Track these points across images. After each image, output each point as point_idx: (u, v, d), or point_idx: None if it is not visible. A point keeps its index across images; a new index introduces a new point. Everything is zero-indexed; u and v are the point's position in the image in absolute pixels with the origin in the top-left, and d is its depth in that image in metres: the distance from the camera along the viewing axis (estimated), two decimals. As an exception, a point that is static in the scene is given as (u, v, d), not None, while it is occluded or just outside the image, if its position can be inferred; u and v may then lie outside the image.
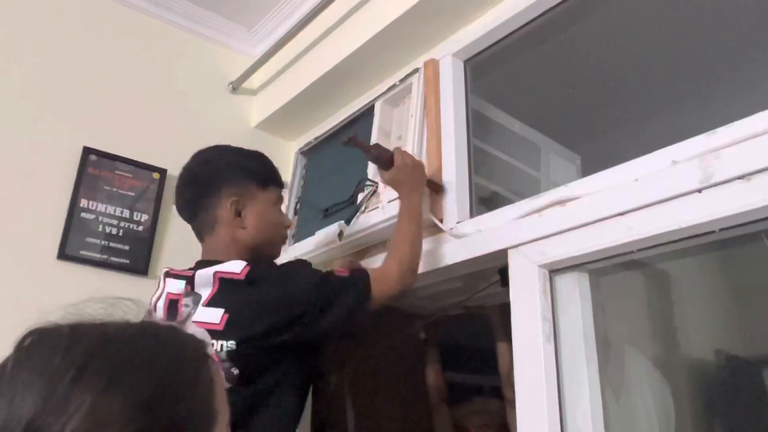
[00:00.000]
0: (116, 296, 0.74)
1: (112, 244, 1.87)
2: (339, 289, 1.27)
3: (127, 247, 1.89)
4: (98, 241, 1.85)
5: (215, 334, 1.16)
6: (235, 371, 1.16)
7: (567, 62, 1.91)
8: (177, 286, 1.27)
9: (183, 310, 1.22)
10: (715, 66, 1.85)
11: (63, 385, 0.55)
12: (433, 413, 2.22)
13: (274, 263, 1.41)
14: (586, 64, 1.92)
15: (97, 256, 1.84)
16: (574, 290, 1.31)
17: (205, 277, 1.22)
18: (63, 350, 0.58)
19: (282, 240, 1.46)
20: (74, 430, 0.53)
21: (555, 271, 1.31)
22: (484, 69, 1.80)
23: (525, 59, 1.84)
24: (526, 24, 1.62)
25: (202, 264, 1.28)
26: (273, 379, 1.22)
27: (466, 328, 2.46)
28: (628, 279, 1.45)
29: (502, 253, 1.39)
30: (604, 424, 1.25)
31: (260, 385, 1.20)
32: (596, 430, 1.24)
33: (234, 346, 1.15)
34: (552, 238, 1.29)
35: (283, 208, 2.22)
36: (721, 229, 1.06)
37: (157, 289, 1.34)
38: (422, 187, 1.53)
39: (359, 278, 1.30)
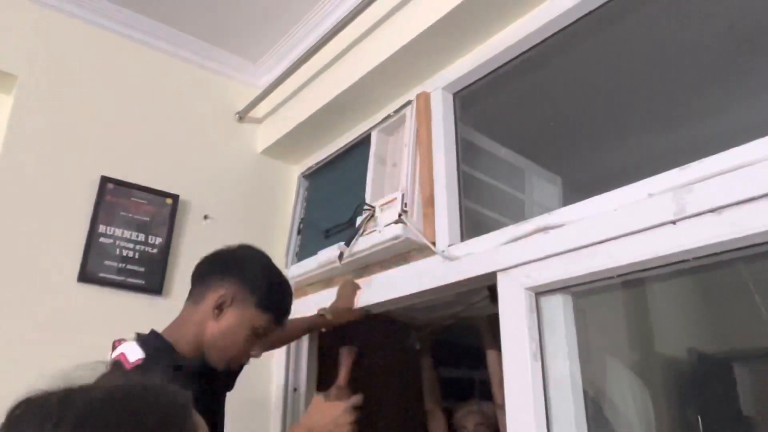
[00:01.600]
0: (97, 361, 0.69)
1: (128, 266, 1.85)
2: None
3: (142, 269, 1.87)
4: (116, 264, 1.83)
5: None
6: None
7: (548, 93, 1.91)
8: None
9: None
10: (685, 95, 1.85)
11: None
12: (429, 417, 2.21)
13: (172, 372, 1.13)
14: (566, 94, 1.92)
15: (115, 277, 1.82)
16: (559, 311, 1.30)
17: (114, 354, 1.16)
18: (53, 421, 0.55)
19: (236, 365, 1.28)
20: None
21: (541, 293, 1.30)
22: (472, 100, 1.80)
23: (509, 90, 1.84)
24: (511, 60, 1.62)
25: (142, 336, 1.18)
26: None
27: (459, 337, 2.46)
28: (609, 298, 1.44)
29: (492, 276, 1.38)
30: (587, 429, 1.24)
31: None
32: (581, 437, 1.23)
33: None
34: (537, 263, 1.28)
35: (286, 228, 2.24)
36: (695, 258, 1.05)
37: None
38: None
39: None
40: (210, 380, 1.22)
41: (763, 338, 1.51)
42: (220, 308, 1.20)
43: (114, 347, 1.22)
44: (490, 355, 2.02)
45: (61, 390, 0.59)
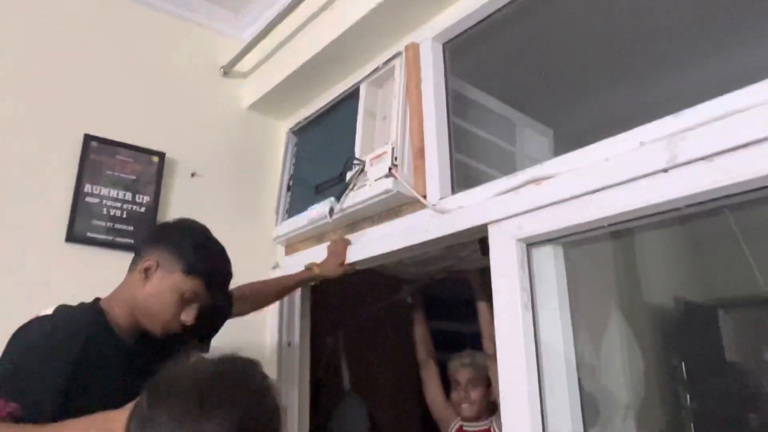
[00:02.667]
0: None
1: (116, 226, 1.83)
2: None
3: (131, 228, 1.85)
4: (103, 223, 1.81)
5: None
6: None
7: (539, 42, 1.87)
8: None
9: None
10: (677, 42, 1.82)
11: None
12: (422, 368, 2.25)
13: (34, 333, 1.18)
14: (557, 43, 1.87)
15: (103, 237, 1.80)
16: (550, 261, 1.31)
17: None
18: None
19: (167, 329, 1.27)
20: None
21: (531, 244, 1.30)
22: (462, 51, 1.76)
23: (500, 40, 1.79)
24: (502, 8, 1.58)
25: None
26: None
27: (451, 289, 2.48)
28: (599, 248, 1.45)
29: (483, 228, 1.38)
30: (578, 378, 1.27)
31: None
32: (570, 385, 1.26)
33: None
34: (528, 215, 1.28)
35: (275, 185, 2.22)
36: (686, 206, 1.05)
37: None
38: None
39: None
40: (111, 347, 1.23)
41: (747, 286, 1.53)
42: (146, 273, 1.25)
43: None
44: (481, 307, 2.04)
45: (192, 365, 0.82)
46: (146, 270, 1.25)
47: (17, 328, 1.19)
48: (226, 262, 1.33)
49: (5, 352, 1.15)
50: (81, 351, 1.14)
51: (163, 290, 1.24)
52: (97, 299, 1.30)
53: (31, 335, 1.15)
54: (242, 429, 0.75)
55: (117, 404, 1.01)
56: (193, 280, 1.25)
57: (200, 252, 1.28)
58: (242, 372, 0.83)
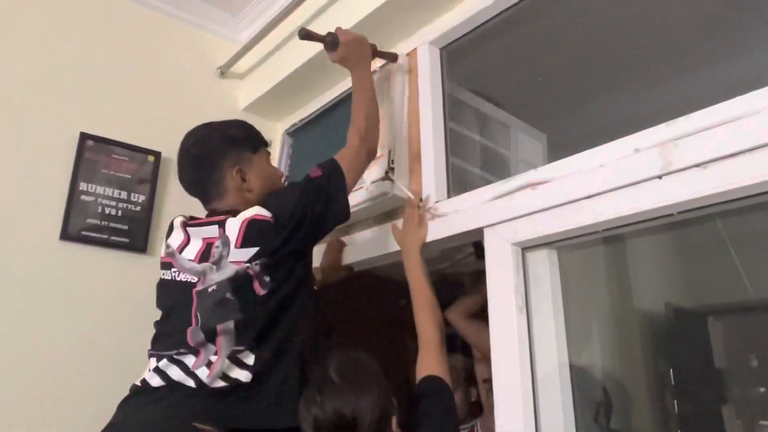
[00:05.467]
0: None
1: (111, 224, 1.83)
2: (321, 185, 1.33)
3: (126, 227, 1.85)
4: (98, 222, 1.81)
5: (250, 259, 1.23)
6: (267, 278, 1.24)
7: (535, 48, 1.89)
8: (210, 231, 1.29)
9: (215, 251, 1.25)
10: (672, 52, 1.84)
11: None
12: (411, 371, 2.24)
13: (280, 196, 1.38)
14: (553, 50, 1.90)
15: (98, 235, 1.80)
16: (545, 266, 1.32)
17: (234, 222, 1.26)
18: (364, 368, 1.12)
19: (281, 187, 1.48)
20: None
21: (527, 248, 1.31)
22: (459, 56, 1.78)
23: (496, 46, 1.82)
24: (499, 14, 1.59)
25: (220, 212, 1.32)
26: (294, 284, 1.29)
27: (445, 292, 2.48)
28: (593, 253, 1.47)
29: (478, 232, 1.39)
30: (570, 381, 1.29)
31: (285, 290, 1.27)
32: (563, 387, 1.27)
33: (265, 261, 1.24)
34: (523, 219, 1.29)
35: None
36: (679, 213, 1.07)
37: (174, 236, 1.35)
38: (368, 59, 1.60)
39: (330, 168, 1.38)
40: None
41: (736, 293, 1.56)
42: (244, 180, 1.36)
43: (190, 226, 1.34)
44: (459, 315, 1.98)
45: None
46: (242, 179, 1.35)
47: None
48: (244, 122, 1.48)
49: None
50: None
51: (261, 174, 1.38)
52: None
53: None
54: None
55: None
56: (260, 149, 1.42)
57: (240, 131, 1.42)
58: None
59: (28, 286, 1.68)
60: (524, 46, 1.87)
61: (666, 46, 1.81)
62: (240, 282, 1.22)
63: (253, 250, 1.23)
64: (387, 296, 2.45)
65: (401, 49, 1.79)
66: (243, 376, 1.19)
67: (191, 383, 1.17)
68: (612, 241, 1.41)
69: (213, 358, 1.18)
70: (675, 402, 1.63)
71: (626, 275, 1.64)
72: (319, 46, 1.88)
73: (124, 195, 1.87)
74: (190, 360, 1.19)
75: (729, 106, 1.02)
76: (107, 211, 1.83)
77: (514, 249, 1.31)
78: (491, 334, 1.30)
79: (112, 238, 1.82)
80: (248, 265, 1.22)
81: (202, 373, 1.17)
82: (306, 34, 1.56)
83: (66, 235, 1.75)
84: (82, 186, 1.80)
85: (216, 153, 1.36)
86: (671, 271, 1.78)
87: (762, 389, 1.64)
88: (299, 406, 1.07)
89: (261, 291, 1.23)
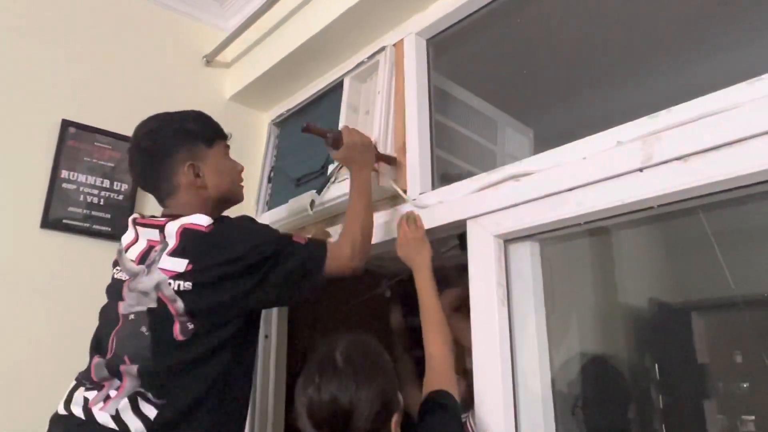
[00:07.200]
0: None
1: (94, 213, 1.81)
2: (295, 250, 1.23)
3: (108, 216, 1.83)
4: (80, 210, 1.79)
5: (177, 276, 1.14)
6: (190, 326, 1.14)
7: (522, 42, 1.88)
8: (153, 234, 1.23)
9: (152, 256, 1.19)
10: (655, 46, 1.85)
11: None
12: (398, 362, 2.25)
13: (237, 220, 1.29)
14: (539, 45, 1.89)
15: (80, 224, 1.78)
16: (526, 258, 1.32)
17: (172, 228, 1.19)
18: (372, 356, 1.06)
19: (240, 184, 1.41)
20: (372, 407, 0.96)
21: (509, 240, 1.31)
22: (446, 48, 1.77)
23: (483, 39, 1.81)
24: (487, 4, 1.58)
25: (170, 217, 1.25)
26: (224, 336, 1.17)
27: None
28: (576, 245, 1.47)
29: (462, 223, 1.39)
30: (550, 371, 1.29)
31: (211, 340, 1.15)
32: (543, 379, 1.27)
33: (190, 287, 1.13)
34: (506, 211, 1.29)
35: (257, 176, 2.20)
36: (660, 205, 1.07)
37: (126, 233, 1.31)
38: (371, 164, 1.51)
39: (316, 248, 1.27)
40: None
41: (719, 288, 1.56)
42: (198, 176, 1.28)
43: (139, 225, 1.27)
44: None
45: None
46: (196, 175, 1.28)
47: None
48: (201, 113, 1.39)
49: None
50: None
51: (217, 169, 1.31)
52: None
53: None
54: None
55: None
56: (216, 142, 1.34)
57: (195, 123, 1.34)
58: None
59: (8, 275, 1.66)
60: (511, 40, 1.86)
61: (651, 41, 1.81)
62: (159, 318, 1.13)
63: (183, 262, 1.14)
64: (370, 288, 2.45)
65: (388, 39, 1.78)
66: (137, 427, 1.09)
67: (81, 414, 1.13)
68: (595, 234, 1.41)
69: (113, 393, 1.12)
70: (660, 397, 1.64)
71: (610, 270, 1.65)
72: (307, 34, 1.87)
73: (106, 183, 1.84)
74: (92, 395, 1.15)
75: (711, 99, 1.02)
76: (89, 200, 1.81)
77: (497, 241, 1.31)
78: (472, 326, 1.30)
79: (95, 226, 1.80)
80: (170, 282, 1.13)
81: (96, 408, 1.12)
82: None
83: (47, 223, 1.73)
84: (64, 174, 1.78)
85: (166, 146, 1.29)
86: (655, 266, 1.78)
87: (745, 385, 1.65)
88: (297, 381, 1.01)
89: (179, 336, 1.13)
